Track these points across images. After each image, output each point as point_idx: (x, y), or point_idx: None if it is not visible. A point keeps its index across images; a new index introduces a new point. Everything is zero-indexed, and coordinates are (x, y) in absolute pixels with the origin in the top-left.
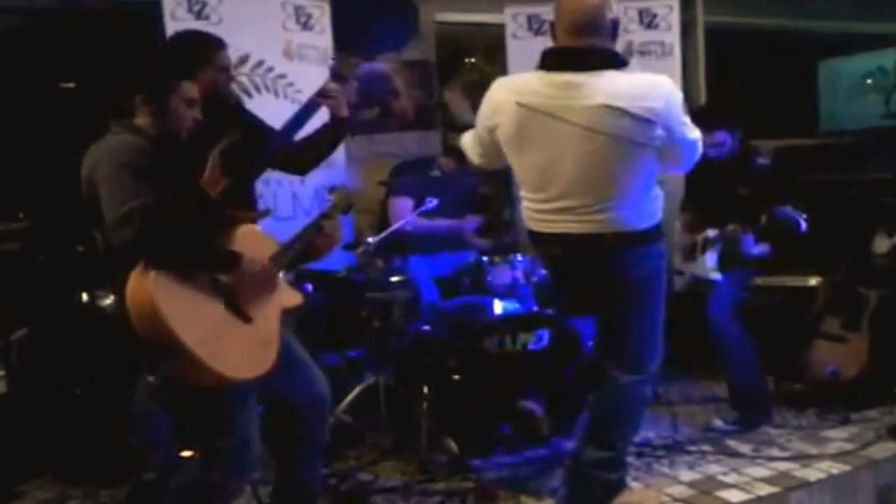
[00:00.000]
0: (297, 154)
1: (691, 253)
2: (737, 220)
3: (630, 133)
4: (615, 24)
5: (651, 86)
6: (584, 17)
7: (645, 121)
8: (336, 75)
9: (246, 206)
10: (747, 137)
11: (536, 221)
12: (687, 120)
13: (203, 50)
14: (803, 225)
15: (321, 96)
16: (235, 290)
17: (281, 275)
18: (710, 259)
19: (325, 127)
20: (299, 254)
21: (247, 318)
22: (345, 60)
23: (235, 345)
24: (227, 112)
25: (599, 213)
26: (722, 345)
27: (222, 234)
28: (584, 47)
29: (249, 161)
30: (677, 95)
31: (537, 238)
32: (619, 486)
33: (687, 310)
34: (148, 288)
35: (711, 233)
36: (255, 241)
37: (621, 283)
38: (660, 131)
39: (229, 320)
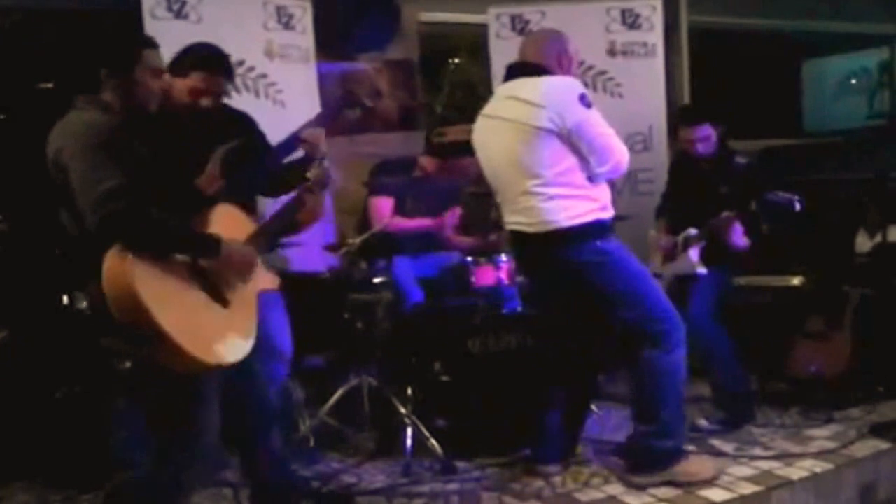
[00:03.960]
0: (271, 180)
1: (672, 252)
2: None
3: (523, 117)
4: (559, 54)
5: (546, 80)
6: (525, 45)
7: (533, 104)
8: (322, 120)
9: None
10: (730, 137)
11: (505, 223)
12: (591, 115)
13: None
14: (797, 205)
15: (300, 140)
16: (214, 273)
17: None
18: (692, 255)
19: (298, 161)
20: (279, 230)
21: (224, 302)
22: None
23: (213, 329)
24: (223, 118)
25: (523, 202)
26: (703, 345)
27: (198, 213)
28: (516, 62)
29: (248, 169)
30: (572, 88)
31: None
32: (677, 453)
33: None
34: (126, 270)
35: (693, 231)
36: (232, 220)
37: (567, 281)
38: (551, 115)
39: (207, 304)
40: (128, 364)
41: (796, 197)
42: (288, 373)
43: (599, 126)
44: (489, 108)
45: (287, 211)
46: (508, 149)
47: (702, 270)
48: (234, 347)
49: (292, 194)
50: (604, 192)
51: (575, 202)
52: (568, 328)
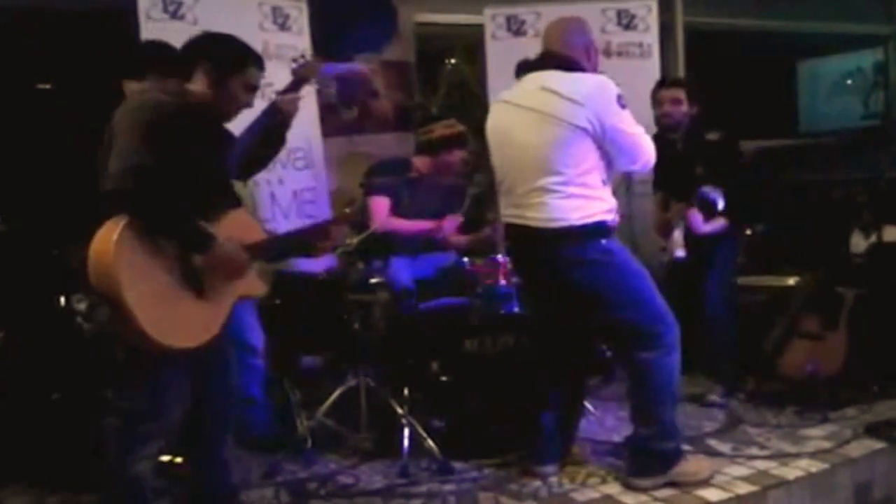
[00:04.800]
0: (245, 160)
1: (669, 229)
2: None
3: (560, 112)
4: (587, 46)
5: (585, 78)
6: (551, 35)
7: (572, 101)
8: (298, 79)
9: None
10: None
11: (504, 216)
12: (625, 116)
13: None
14: (720, 205)
15: (281, 106)
16: (200, 265)
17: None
18: (677, 235)
19: (269, 133)
20: (289, 250)
21: (199, 292)
22: (308, 64)
23: (175, 313)
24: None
25: (536, 197)
26: (710, 314)
27: (211, 211)
28: (546, 53)
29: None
30: (611, 89)
31: (505, 233)
32: (676, 454)
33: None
34: (114, 235)
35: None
36: (240, 224)
37: (565, 279)
38: (589, 115)
39: (179, 288)
40: (88, 325)
41: (720, 195)
42: (264, 365)
43: (632, 126)
44: (513, 96)
45: (304, 236)
46: (533, 140)
47: (679, 253)
48: (189, 334)
49: (315, 220)
50: (611, 195)
51: (589, 202)
52: (559, 327)
